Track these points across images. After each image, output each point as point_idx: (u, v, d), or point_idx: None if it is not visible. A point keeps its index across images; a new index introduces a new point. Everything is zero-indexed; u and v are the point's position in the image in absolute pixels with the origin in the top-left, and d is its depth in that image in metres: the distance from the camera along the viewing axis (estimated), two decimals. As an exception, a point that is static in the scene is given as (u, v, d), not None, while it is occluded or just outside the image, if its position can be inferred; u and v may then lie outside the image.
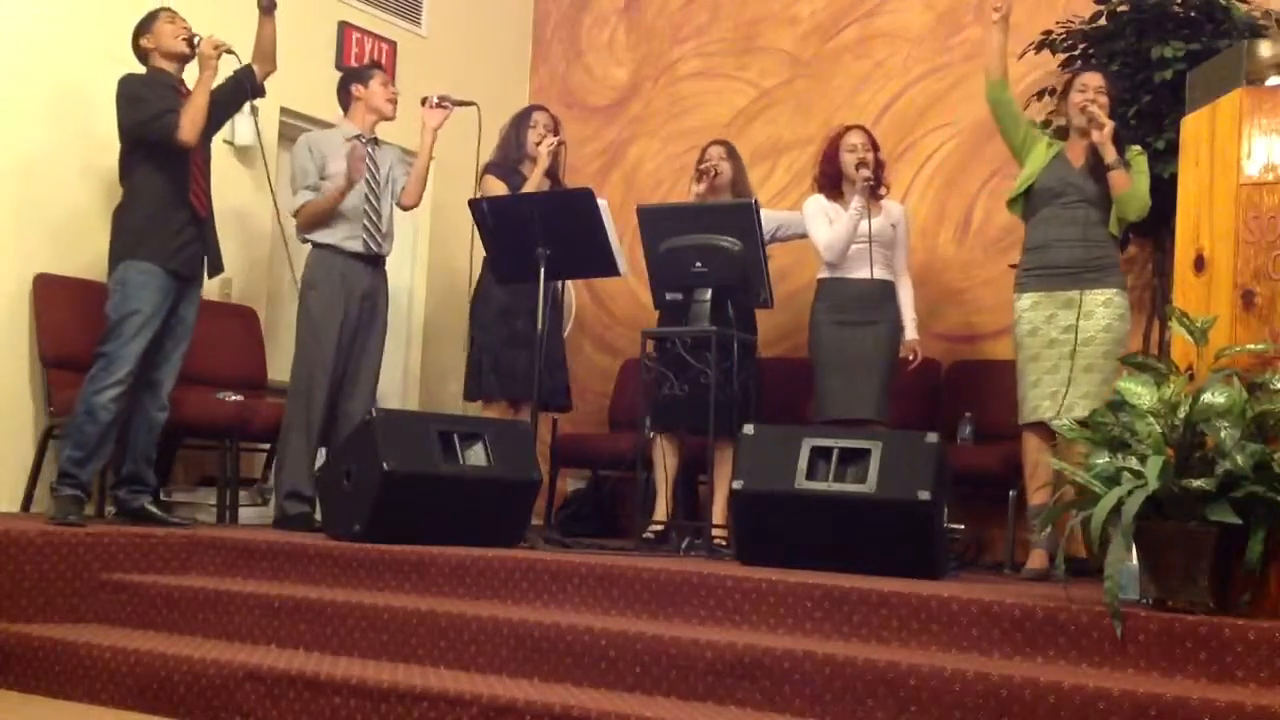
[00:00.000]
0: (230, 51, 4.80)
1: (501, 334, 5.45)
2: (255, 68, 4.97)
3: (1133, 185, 4.49)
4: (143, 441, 4.77)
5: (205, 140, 4.86)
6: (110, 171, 4.94)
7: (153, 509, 4.78)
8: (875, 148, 5.26)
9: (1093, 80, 4.63)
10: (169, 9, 4.85)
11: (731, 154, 5.55)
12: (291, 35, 6.04)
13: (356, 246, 5.21)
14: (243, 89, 4.94)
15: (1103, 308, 4.50)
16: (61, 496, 4.50)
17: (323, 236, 5.20)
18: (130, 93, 4.71)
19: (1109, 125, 4.46)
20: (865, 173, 5.10)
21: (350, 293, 5.19)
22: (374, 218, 5.27)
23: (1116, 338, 4.50)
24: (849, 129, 5.31)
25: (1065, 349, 4.48)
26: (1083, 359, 4.46)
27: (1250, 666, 2.93)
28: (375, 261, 5.30)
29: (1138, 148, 4.62)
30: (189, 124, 4.66)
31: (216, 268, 4.94)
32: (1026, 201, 4.68)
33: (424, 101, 5.40)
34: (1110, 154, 4.45)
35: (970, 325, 6.26)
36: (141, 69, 4.84)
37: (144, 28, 4.84)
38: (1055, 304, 4.53)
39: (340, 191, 5.14)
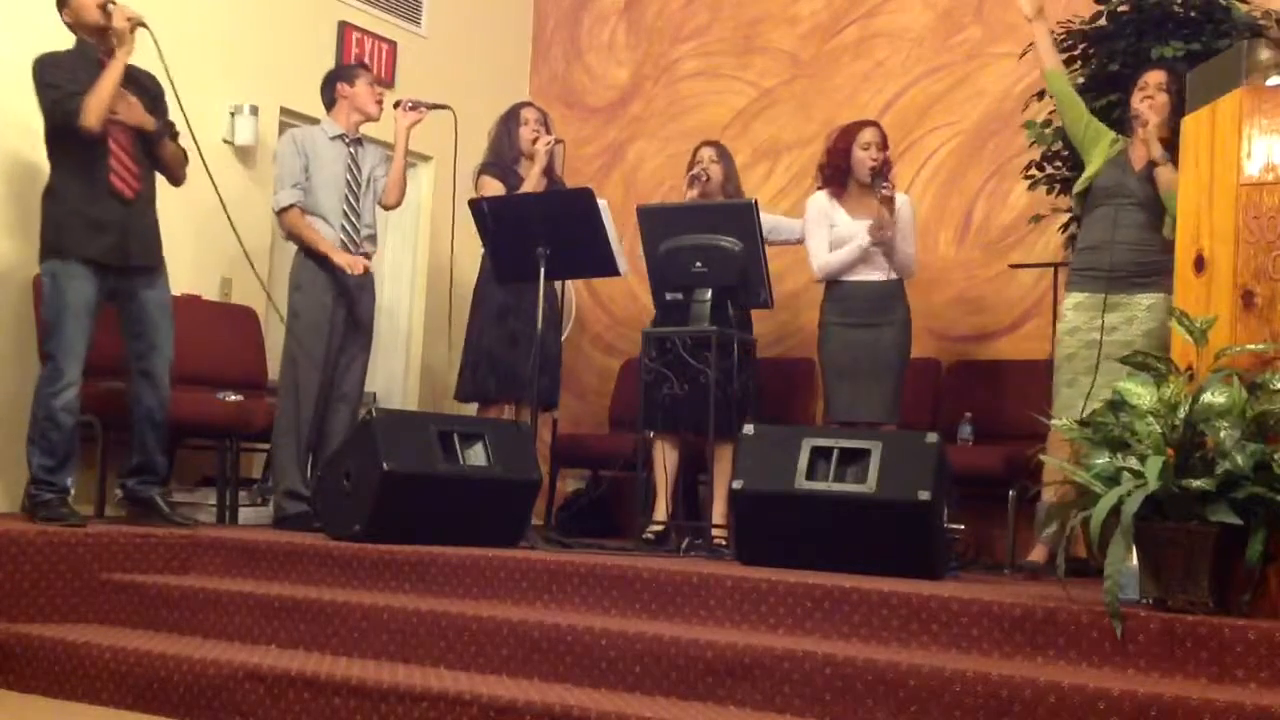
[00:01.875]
0: (143, 25, 4.56)
1: (500, 334, 5.45)
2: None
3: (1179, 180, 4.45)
4: (147, 432, 4.72)
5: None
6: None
7: (161, 503, 4.72)
8: (885, 145, 5.25)
9: (1153, 77, 4.59)
10: None
11: (723, 155, 5.52)
12: (291, 35, 6.06)
13: (337, 247, 5.19)
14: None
15: (1146, 312, 4.46)
16: (42, 501, 4.44)
17: (288, 236, 5.21)
18: (40, 77, 4.52)
19: (1153, 122, 4.44)
20: (886, 193, 5.02)
21: (337, 293, 5.17)
22: (353, 219, 5.25)
23: (1158, 343, 4.36)
24: (864, 124, 5.28)
25: (1105, 351, 4.43)
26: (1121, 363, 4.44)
27: (1250, 666, 2.93)
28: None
29: None
30: (93, 108, 4.43)
31: (151, 254, 4.73)
32: (1084, 199, 4.67)
33: (397, 105, 5.38)
34: (1155, 150, 4.42)
35: (971, 325, 6.26)
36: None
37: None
38: (1099, 305, 4.50)
39: (330, 255, 5.11)
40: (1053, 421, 4.29)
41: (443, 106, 5.33)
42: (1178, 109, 4.51)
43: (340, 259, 5.12)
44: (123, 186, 4.61)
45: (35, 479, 4.50)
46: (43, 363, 4.55)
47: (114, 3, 4.56)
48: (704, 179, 5.39)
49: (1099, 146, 4.67)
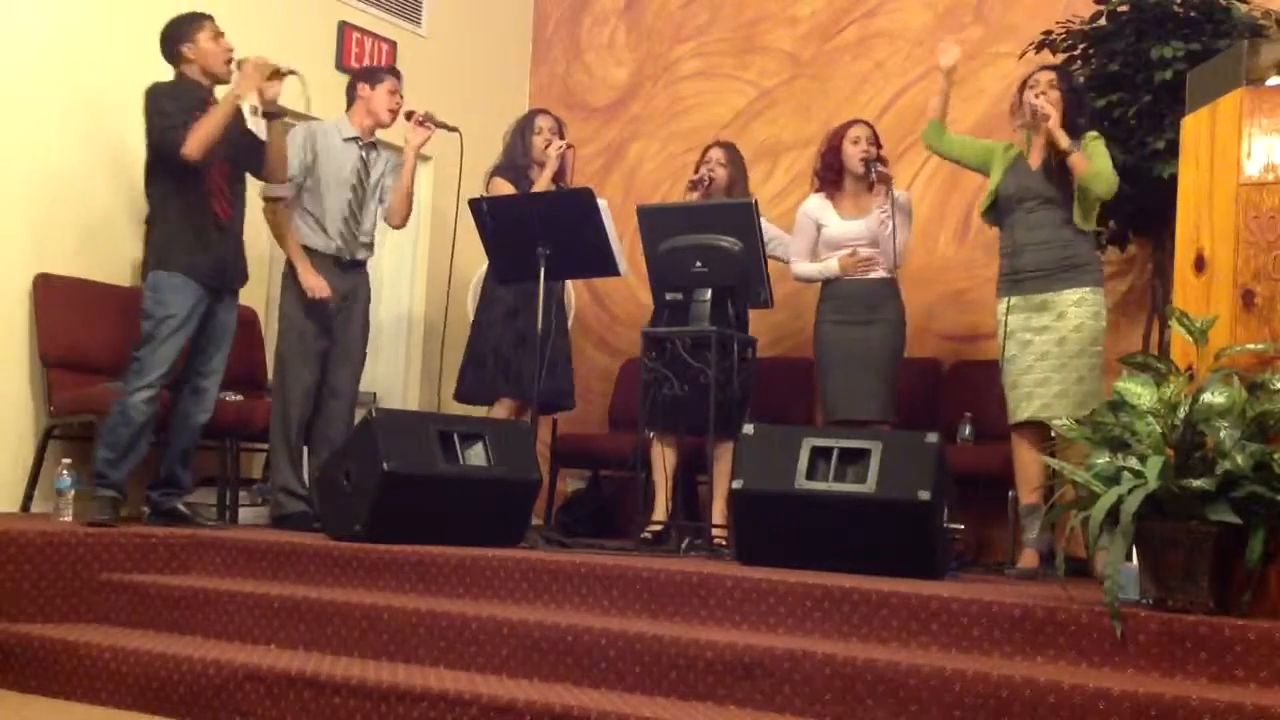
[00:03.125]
0: (291, 73, 4.75)
1: (509, 335, 5.44)
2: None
3: (1093, 164, 4.53)
4: (181, 443, 4.80)
5: (229, 149, 4.77)
6: (116, 175, 4.92)
7: (184, 510, 4.80)
8: (878, 144, 5.27)
9: (1044, 76, 4.71)
10: (211, 20, 4.78)
11: (732, 157, 5.49)
12: (291, 35, 6.05)
13: (329, 251, 5.19)
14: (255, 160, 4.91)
15: (1075, 307, 4.57)
16: (100, 498, 4.51)
17: (299, 238, 5.18)
18: (156, 106, 4.64)
19: (1054, 114, 4.53)
20: (883, 169, 5.09)
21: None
22: (353, 225, 5.23)
23: (1091, 336, 4.56)
24: (853, 122, 5.32)
25: (1039, 349, 4.57)
26: (1057, 359, 4.54)
27: (1250, 666, 2.93)
28: (351, 265, 5.27)
29: (1094, 133, 4.66)
30: (196, 141, 4.56)
31: (241, 278, 4.91)
32: (994, 210, 4.79)
33: (409, 115, 5.34)
34: (1063, 140, 4.53)
35: (971, 325, 6.26)
36: (167, 71, 4.77)
37: (183, 34, 4.74)
38: (1029, 307, 4.62)
39: (298, 267, 5.11)
40: (1056, 422, 4.30)
41: (452, 128, 5.29)
42: (1072, 105, 4.60)
43: (306, 281, 5.10)
44: (221, 211, 4.73)
45: (96, 473, 4.58)
46: (129, 364, 4.61)
47: (240, 58, 4.73)
48: (707, 183, 5.37)
49: (996, 160, 4.79)
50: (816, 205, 5.30)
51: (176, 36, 4.75)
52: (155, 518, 4.77)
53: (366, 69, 5.68)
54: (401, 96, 5.38)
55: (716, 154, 5.49)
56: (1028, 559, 4.56)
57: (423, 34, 6.91)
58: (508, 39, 7.47)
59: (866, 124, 5.32)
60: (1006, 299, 4.70)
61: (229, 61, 4.75)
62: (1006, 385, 4.67)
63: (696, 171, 5.42)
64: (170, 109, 4.63)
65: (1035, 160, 4.67)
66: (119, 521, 4.46)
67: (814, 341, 5.30)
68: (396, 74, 5.54)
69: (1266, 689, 2.87)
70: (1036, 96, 4.62)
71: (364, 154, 5.28)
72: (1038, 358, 4.58)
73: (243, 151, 4.84)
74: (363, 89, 5.31)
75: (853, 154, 5.18)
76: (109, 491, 4.53)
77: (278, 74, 4.74)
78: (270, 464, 5.28)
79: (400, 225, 5.47)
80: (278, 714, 3.40)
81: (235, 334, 4.90)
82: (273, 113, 4.84)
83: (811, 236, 5.28)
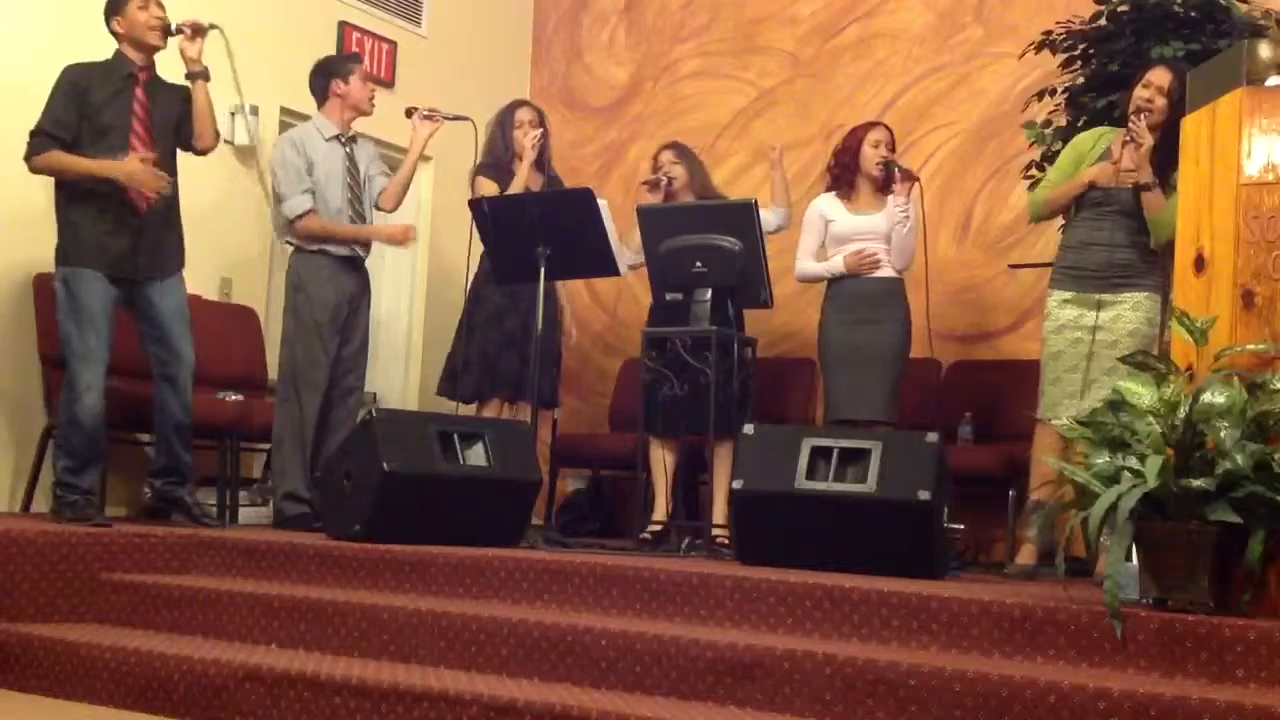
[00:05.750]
0: (213, 28, 4.69)
1: (496, 336, 5.44)
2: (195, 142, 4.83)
3: (1165, 209, 4.33)
4: (173, 436, 4.74)
5: (163, 136, 4.71)
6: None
7: (190, 502, 4.76)
8: (893, 147, 5.28)
9: (1158, 77, 4.51)
10: None
11: (683, 155, 5.55)
12: (291, 35, 6.05)
13: (343, 251, 5.18)
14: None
15: (1131, 310, 4.47)
16: (68, 503, 4.49)
17: (309, 241, 5.17)
18: (55, 97, 4.53)
19: (1147, 143, 4.37)
20: (905, 167, 5.09)
21: (339, 295, 5.16)
22: (358, 221, 5.24)
23: (1142, 342, 4.42)
24: (874, 124, 5.32)
25: (1087, 350, 4.47)
26: (1106, 361, 4.44)
27: (1250, 666, 2.93)
28: (358, 264, 5.28)
29: None
30: (44, 166, 4.50)
31: (163, 265, 4.71)
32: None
33: (410, 113, 5.34)
34: (1145, 175, 4.37)
35: (971, 325, 6.26)
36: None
37: (114, 8, 4.66)
38: (1085, 304, 4.51)
39: (364, 239, 5.19)
40: (1055, 422, 4.30)
41: (462, 118, 5.30)
42: (1177, 113, 4.49)
43: (387, 234, 5.22)
44: (136, 199, 4.58)
45: (59, 480, 4.54)
46: (65, 370, 4.56)
47: (176, 24, 4.66)
48: (665, 183, 5.41)
49: (1086, 156, 4.64)
50: (825, 202, 5.29)
51: (109, 13, 4.67)
52: (159, 504, 4.74)
53: (329, 62, 5.44)
54: (372, 85, 5.39)
55: (667, 155, 5.54)
56: (1026, 555, 4.54)
57: (423, 34, 6.92)
58: (508, 39, 7.48)
59: (886, 128, 5.31)
60: (1060, 292, 4.59)
61: (164, 29, 4.64)
62: (1046, 380, 4.56)
63: (652, 173, 5.47)
64: (64, 113, 4.51)
65: (1121, 160, 4.51)
66: (99, 518, 4.43)
67: (819, 341, 5.28)
68: (359, 59, 5.54)
69: (1266, 689, 2.87)
70: (1143, 102, 4.43)
71: (348, 150, 5.28)
72: (1085, 358, 4.48)
73: (179, 131, 4.79)
74: (337, 85, 5.25)
75: (871, 157, 5.18)
76: (78, 497, 4.49)
77: (200, 31, 4.67)
78: (274, 467, 5.25)
79: (392, 209, 5.46)
80: (278, 714, 3.40)
81: (191, 317, 4.79)
82: (197, 73, 4.73)
83: (820, 233, 5.26)
